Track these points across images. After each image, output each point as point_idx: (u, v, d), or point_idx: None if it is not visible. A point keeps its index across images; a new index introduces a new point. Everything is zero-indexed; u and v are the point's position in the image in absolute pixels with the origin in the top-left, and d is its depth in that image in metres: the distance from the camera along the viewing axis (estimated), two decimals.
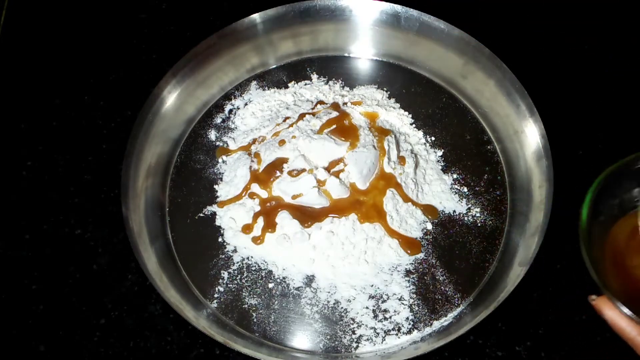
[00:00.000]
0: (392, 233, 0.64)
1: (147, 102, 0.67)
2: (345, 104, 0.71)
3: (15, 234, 0.66)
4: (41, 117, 0.74)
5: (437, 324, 0.61)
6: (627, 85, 0.74)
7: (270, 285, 0.63)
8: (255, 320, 0.61)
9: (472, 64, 0.71)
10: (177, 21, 0.80)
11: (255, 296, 0.62)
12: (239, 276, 0.63)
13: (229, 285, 0.63)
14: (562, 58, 0.77)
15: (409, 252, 0.64)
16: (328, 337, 0.60)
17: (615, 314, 0.49)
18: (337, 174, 0.64)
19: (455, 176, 0.69)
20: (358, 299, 0.62)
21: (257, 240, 0.64)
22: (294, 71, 0.76)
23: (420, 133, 0.71)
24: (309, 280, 0.63)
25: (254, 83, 0.76)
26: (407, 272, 0.63)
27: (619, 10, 0.80)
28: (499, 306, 0.57)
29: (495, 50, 0.69)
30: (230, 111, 0.74)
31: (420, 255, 0.64)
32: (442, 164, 0.69)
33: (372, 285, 0.62)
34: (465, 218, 0.66)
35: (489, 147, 0.70)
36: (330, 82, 0.75)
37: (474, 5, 0.81)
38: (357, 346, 0.60)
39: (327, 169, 0.64)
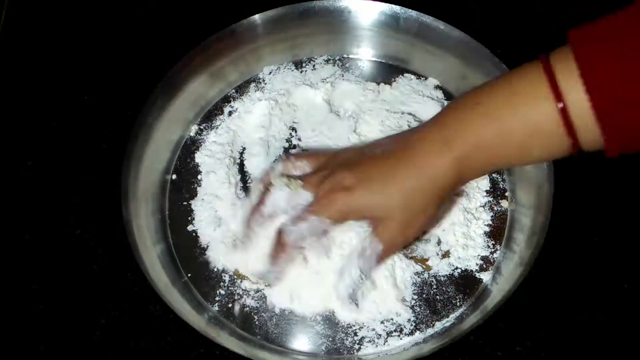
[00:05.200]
0: None
1: (147, 103, 0.67)
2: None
3: (15, 234, 0.66)
4: (41, 117, 0.73)
5: (439, 325, 0.61)
6: None
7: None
8: (257, 322, 0.61)
9: (472, 64, 0.71)
10: (177, 21, 0.80)
11: (256, 298, 0.62)
12: (240, 279, 0.63)
13: (230, 288, 0.63)
14: None
15: None
16: (330, 339, 0.60)
17: None
18: None
19: None
20: None
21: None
22: (294, 73, 0.76)
23: None
24: None
25: (252, 85, 0.75)
26: None
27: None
28: (499, 306, 0.57)
29: (495, 50, 0.69)
30: (230, 113, 0.74)
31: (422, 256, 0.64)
32: None
33: None
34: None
35: None
36: (330, 84, 0.75)
37: (474, 6, 0.81)
38: (360, 348, 0.60)
39: None
